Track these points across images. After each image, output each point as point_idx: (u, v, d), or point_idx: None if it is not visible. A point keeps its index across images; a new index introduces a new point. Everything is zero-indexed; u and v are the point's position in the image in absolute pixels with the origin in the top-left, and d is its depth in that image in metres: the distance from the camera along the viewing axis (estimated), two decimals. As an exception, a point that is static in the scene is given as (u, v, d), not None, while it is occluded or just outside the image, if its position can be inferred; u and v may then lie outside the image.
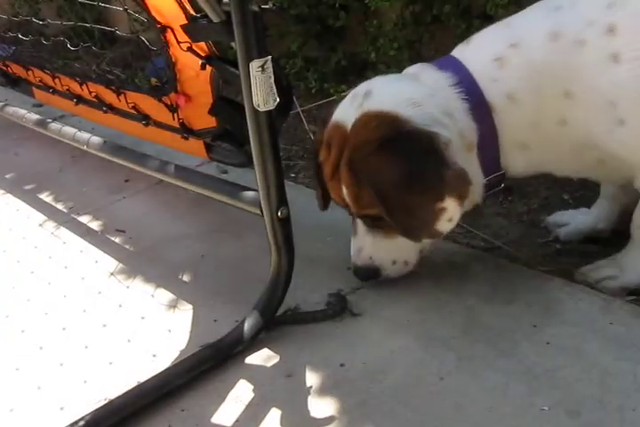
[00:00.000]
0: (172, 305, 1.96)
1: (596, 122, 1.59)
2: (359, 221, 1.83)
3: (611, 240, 2.01)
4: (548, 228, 2.15)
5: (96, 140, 2.58)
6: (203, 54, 1.80)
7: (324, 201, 1.95)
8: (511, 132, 1.69)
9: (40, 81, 2.99)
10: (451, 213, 1.67)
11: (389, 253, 1.83)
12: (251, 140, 1.63)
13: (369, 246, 1.84)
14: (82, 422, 1.51)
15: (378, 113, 1.68)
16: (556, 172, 1.83)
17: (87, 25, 2.72)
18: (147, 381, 1.63)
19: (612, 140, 1.59)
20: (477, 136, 1.69)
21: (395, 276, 1.87)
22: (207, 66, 1.82)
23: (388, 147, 1.64)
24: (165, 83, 2.09)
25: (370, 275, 1.87)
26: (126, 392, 1.60)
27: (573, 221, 2.09)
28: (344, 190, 1.77)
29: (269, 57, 1.52)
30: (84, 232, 2.45)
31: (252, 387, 1.62)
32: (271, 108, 1.57)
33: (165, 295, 2.01)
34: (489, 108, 1.67)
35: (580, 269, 1.88)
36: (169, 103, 2.07)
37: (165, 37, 1.88)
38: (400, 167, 1.63)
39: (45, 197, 2.78)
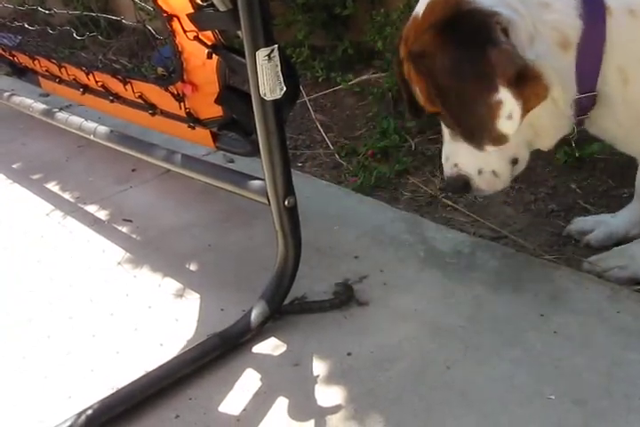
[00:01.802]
0: (179, 294, 1.96)
1: None
2: (445, 128, 1.73)
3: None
4: (573, 236, 2.05)
5: (102, 129, 2.58)
6: (209, 43, 1.79)
7: (410, 106, 1.75)
8: (619, 50, 1.49)
9: (46, 71, 2.99)
10: (509, 106, 1.48)
11: (474, 161, 1.71)
12: (257, 129, 1.62)
13: (453, 153, 1.74)
14: (89, 411, 1.52)
15: None
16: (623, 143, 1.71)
17: (93, 14, 2.72)
18: (154, 370, 1.63)
19: None
20: (579, 36, 1.49)
21: (486, 189, 1.76)
22: (213, 55, 1.81)
23: (443, 32, 1.50)
24: (172, 72, 2.09)
25: (459, 186, 1.77)
26: (133, 381, 1.60)
27: (601, 226, 2.00)
28: (415, 88, 1.65)
29: (276, 46, 1.51)
30: (91, 222, 2.46)
31: (259, 376, 1.63)
32: (278, 97, 1.57)
33: (172, 285, 2.01)
34: (604, 12, 1.46)
35: (588, 258, 1.86)
36: (175, 92, 2.07)
37: (172, 26, 1.87)
38: (451, 52, 1.49)
39: (52, 186, 2.78)
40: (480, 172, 1.73)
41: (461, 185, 1.76)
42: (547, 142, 1.70)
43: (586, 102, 1.58)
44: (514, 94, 1.48)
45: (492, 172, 1.72)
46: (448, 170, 1.77)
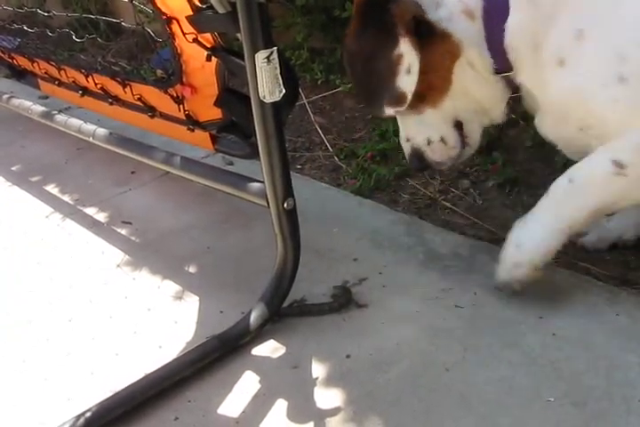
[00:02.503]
0: (178, 297, 1.96)
1: (595, 73, 1.52)
2: None
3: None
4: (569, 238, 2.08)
5: (102, 131, 2.58)
6: (208, 46, 1.80)
7: None
8: (521, 22, 1.58)
9: (45, 73, 2.99)
10: (407, 59, 1.61)
11: (420, 131, 1.80)
12: (256, 131, 1.63)
13: (402, 127, 1.83)
14: (88, 414, 1.52)
15: None
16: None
17: (92, 16, 2.72)
18: (153, 372, 1.63)
19: (604, 97, 1.53)
20: (482, 10, 1.60)
21: (441, 160, 1.85)
22: (213, 57, 1.81)
23: (358, 8, 1.66)
24: (171, 74, 2.09)
25: (416, 161, 1.85)
26: (133, 384, 1.60)
27: (595, 229, 2.01)
28: None
29: (275, 48, 1.51)
30: (90, 224, 2.46)
31: (258, 378, 1.63)
32: (277, 99, 1.57)
33: (171, 287, 2.01)
34: None
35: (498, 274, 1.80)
36: (175, 95, 2.07)
37: (171, 29, 1.88)
38: (359, 21, 1.63)
39: (51, 189, 2.78)
40: (429, 141, 1.80)
41: (418, 159, 1.84)
42: (494, 112, 1.78)
43: (502, 67, 1.66)
44: (414, 46, 1.59)
45: (439, 140, 1.80)
46: (405, 146, 1.85)
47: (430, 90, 1.70)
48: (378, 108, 1.71)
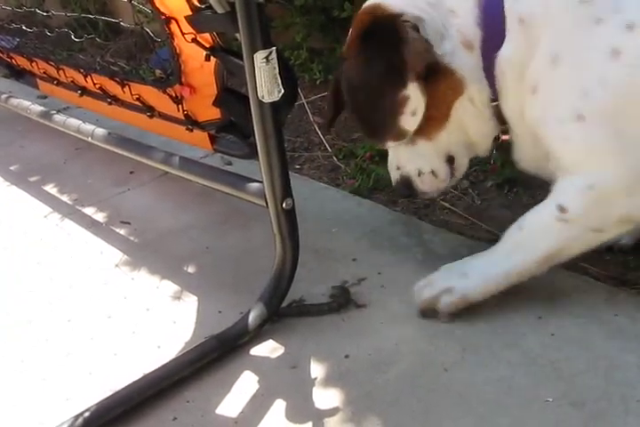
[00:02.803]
0: (177, 297, 1.96)
1: (556, 105, 1.51)
2: None
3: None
4: None
5: (100, 131, 2.58)
6: (207, 45, 1.80)
7: (330, 119, 1.92)
8: (507, 56, 1.58)
9: (44, 73, 2.99)
10: (414, 102, 1.61)
11: (412, 161, 1.80)
12: (255, 131, 1.62)
13: (393, 155, 1.83)
14: (87, 414, 1.51)
15: (367, 6, 1.69)
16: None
17: (91, 16, 2.73)
18: (152, 372, 1.63)
19: (557, 133, 1.53)
20: (480, 41, 1.60)
21: (428, 189, 1.84)
22: (211, 57, 1.81)
23: (360, 39, 1.65)
24: (170, 74, 2.09)
25: (404, 189, 1.86)
26: (131, 383, 1.60)
27: None
28: None
29: (274, 48, 1.51)
30: (89, 224, 2.46)
31: (256, 378, 1.63)
32: (276, 99, 1.57)
33: (170, 287, 2.01)
34: (502, 21, 1.56)
35: (416, 285, 1.78)
36: (173, 95, 2.07)
37: (170, 29, 1.88)
38: (365, 54, 1.62)
39: (50, 188, 2.78)
40: (419, 173, 1.80)
41: (406, 187, 1.84)
42: (481, 146, 1.79)
43: (495, 96, 1.66)
44: (422, 90, 1.59)
45: (430, 172, 1.80)
46: (393, 174, 1.86)
47: (428, 123, 1.69)
48: (378, 140, 1.73)
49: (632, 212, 1.54)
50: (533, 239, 1.64)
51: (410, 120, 1.65)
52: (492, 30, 1.58)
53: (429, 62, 1.59)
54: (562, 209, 1.55)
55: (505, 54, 1.57)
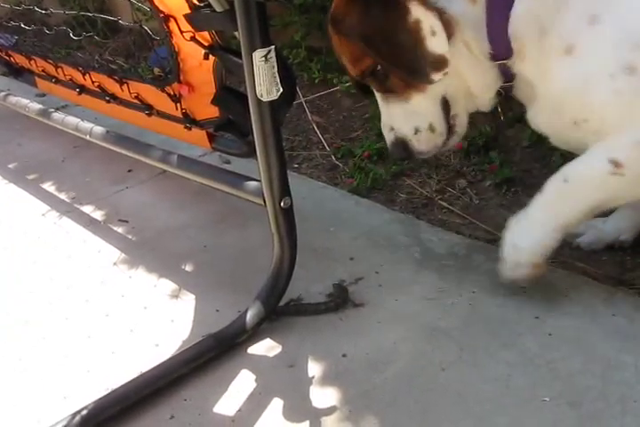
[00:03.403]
0: (175, 295, 1.96)
1: (605, 61, 1.48)
2: (377, 94, 1.78)
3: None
4: (565, 238, 2.05)
5: (99, 130, 2.58)
6: (206, 44, 1.79)
7: (357, 84, 1.85)
8: (525, 16, 1.56)
9: (43, 71, 2.98)
10: (427, 22, 1.56)
11: (407, 120, 1.77)
12: (254, 130, 1.62)
13: (387, 117, 1.79)
14: (84, 412, 1.51)
15: None
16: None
17: (90, 14, 2.72)
18: (149, 370, 1.63)
19: (609, 88, 1.50)
20: None
21: (427, 149, 1.81)
22: (210, 55, 1.81)
23: None
24: (168, 72, 2.09)
25: (399, 151, 1.82)
26: (129, 382, 1.60)
27: (592, 229, 2.01)
28: (342, 57, 1.74)
29: (272, 47, 1.51)
30: (87, 222, 2.45)
31: (254, 377, 1.63)
32: (274, 98, 1.57)
33: (168, 285, 2.01)
34: None
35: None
36: (172, 93, 2.07)
37: (168, 27, 1.87)
38: (359, 7, 1.59)
39: (48, 187, 2.78)
40: (416, 131, 1.77)
41: (401, 149, 1.80)
42: (481, 100, 1.75)
43: (501, 53, 1.63)
44: (428, 7, 1.55)
45: (427, 128, 1.76)
46: (387, 136, 1.82)
47: None
48: (424, 77, 1.64)
49: None
50: (583, 191, 1.64)
51: (434, 41, 1.58)
52: None
53: None
54: (615, 163, 1.54)
55: (521, 13, 1.54)
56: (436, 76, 1.63)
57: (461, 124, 1.80)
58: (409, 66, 1.63)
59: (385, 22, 1.58)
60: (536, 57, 1.58)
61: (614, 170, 1.55)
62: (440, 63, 1.60)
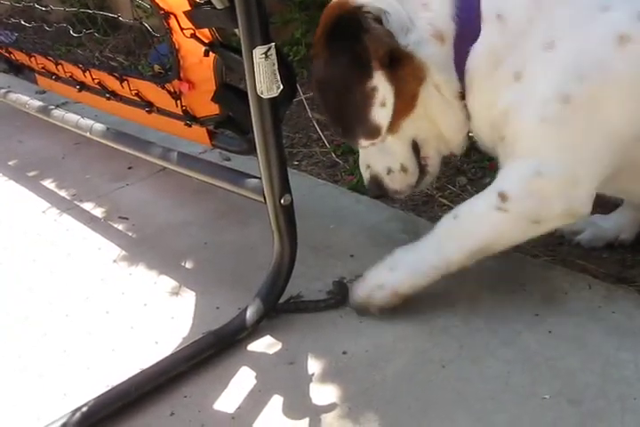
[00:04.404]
0: (175, 292, 1.96)
1: (546, 85, 1.48)
2: None
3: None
4: (565, 235, 2.05)
5: (99, 127, 2.58)
6: (206, 41, 1.79)
7: None
8: (482, 50, 1.56)
9: (43, 68, 2.98)
10: (382, 91, 1.58)
11: (381, 159, 1.78)
12: (254, 127, 1.62)
13: (363, 154, 1.81)
14: (84, 409, 1.52)
15: (334, 1, 1.67)
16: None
17: (90, 11, 2.72)
18: (149, 367, 1.63)
19: (537, 112, 1.49)
20: (453, 36, 1.57)
21: (400, 188, 1.82)
22: (210, 52, 1.81)
23: (325, 34, 1.63)
24: (168, 70, 2.09)
25: (374, 188, 1.84)
26: (129, 379, 1.60)
27: (592, 227, 2.01)
28: None
29: (273, 44, 1.51)
30: (87, 219, 2.46)
31: (254, 374, 1.63)
32: (274, 95, 1.56)
33: (168, 282, 2.01)
34: (478, 16, 1.55)
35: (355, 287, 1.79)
36: (172, 90, 2.07)
37: (168, 24, 1.87)
38: (329, 48, 1.61)
39: (48, 184, 2.78)
40: (389, 171, 1.79)
41: (376, 186, 1.83)
42: (453, 142, 1.74)
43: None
44: (388, 78, 1.56)
45: (399, 169, 1.78)
46: (364, 173, 1.84)
47: (395, 116, 1.65)
48: (352, 139, 1.68)
49: (574, 205, 1.53)
50: (468, 229, 1.63)
51: (380, 112, 1.60)
52: (467, 25, 1.56)
53: (391, 48, 1.56)
54: (503, 197, 1.53)
55: (479, 49, 1.55)
56: (365, 144, 1.68)
57: (433, 165, 1.81)
58: (345, 126, 1.67)
59: (346, 77, 1.59)
60: (484, 88, 1.58)
61: (499, 204, 1.54)
62: (375, 133, 1.63)
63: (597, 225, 2.00)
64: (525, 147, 1.53)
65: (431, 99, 1.64)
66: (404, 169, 1.78)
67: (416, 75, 1.60)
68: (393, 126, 1.68)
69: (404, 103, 1.64)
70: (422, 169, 1.80)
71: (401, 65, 1.58)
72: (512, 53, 1.52)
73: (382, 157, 1.78)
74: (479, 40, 1.54)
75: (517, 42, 1.51)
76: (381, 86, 1.57)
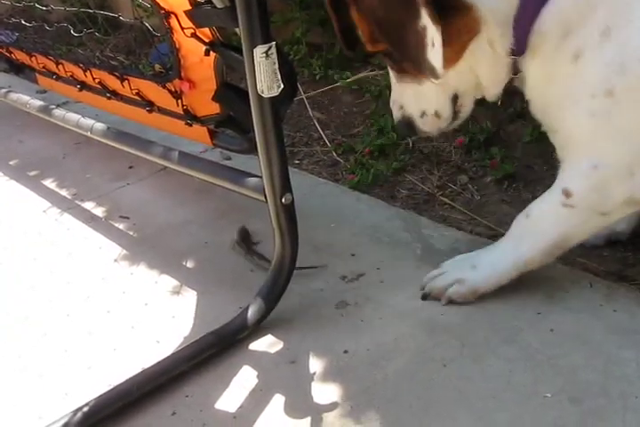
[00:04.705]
0: (176, 292, 1.96)
1: (594, 77, 1.46)
2: (390, 70, 1.77)
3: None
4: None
5: (100, 126, 2.58)
6: (207, 40, 1.79)
7: (344, 39, 1.77)
8: (556, 13, 1.49)
9: (43, 67, 2.98)
10: (430, 32, 1.48)
11: (416, 102, 1.76)
12: (255, 126, 1.62)
13: (398, 95, 1.79)
14: (86, 409, 1.52)
15: None
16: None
17: (91, 11, 2.71)
18: (150, 367, 1.64)
19: (584, 107, 1.49)
20: None
21: (430, 130, 1.81)
22: (211, 52, 1.81)
23: None
24: (169, 69, 2.08)
25: (405, 129, 1.83)
26: (130, 378, 1.60)
27: None
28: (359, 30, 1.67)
29: (273, 43, 1.51)
30: (88, 219, 2.46)
31: (255, 373, 1.63)
32: (275, 94, 1.56)
33: (169, 282, 2.01)
34: None
35: (427, 276, 1.83)
36: (173, 89, 2.07)
37: (169, 23, 1.87)
38: None
39: (49, 183, 2.78)
40: (423, 114, 1.77)
41: (407, 127, 1.81)
42: (490, 91, 1.72)
43: (520, 49, 1.58)
44: (433, 19, 1.47)
45: (434, 113, 1.76)
46: (395, 113, 1.82)
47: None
48: (420, 65, 1.57)
49: (635, 193, 1.54)
50: (540, 227, 1.65)
51: (432, 53, 1.51)
52: None
53: None
54: (567, 193, 1.55)
55: (554, 10, 1.48)
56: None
57: (466, 111, 1.79)
58: (415, 61, 1.58)
59: (399, 15, 1.52)
60: (548, 57, 1.55)
61: (565, 200, 1.56)
62: (432, 74, 1.56)
63: None
64: (579, 142, 1.54)
65: (481, 53, 1.60)
66: (437, 115, 1.77)
67: (471, 27, 1.54)
68: None
69: (452, 53, 1.59)
70: (455, 115, 1.79)
71: (458, 15, 1.52)
72: (579, 27, 1.48)
73: (418, 99, 1.75)
74: (550, 2, 1.48)
75: (587, 16, 1.46)
76: (428, 26, 1.48)
